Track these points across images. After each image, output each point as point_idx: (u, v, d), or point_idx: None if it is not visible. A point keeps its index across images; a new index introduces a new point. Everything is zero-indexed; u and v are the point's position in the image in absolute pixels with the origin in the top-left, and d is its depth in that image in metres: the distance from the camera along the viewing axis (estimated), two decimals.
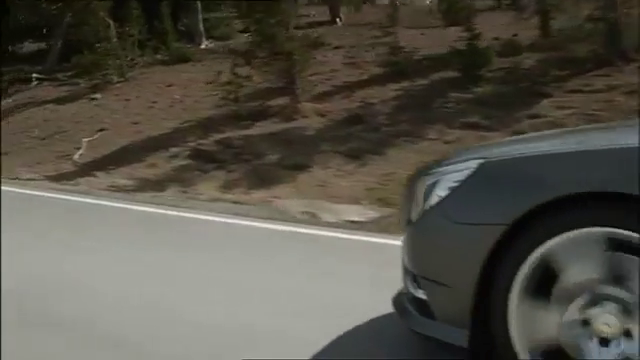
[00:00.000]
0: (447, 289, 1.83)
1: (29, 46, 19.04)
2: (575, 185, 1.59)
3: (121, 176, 7.48)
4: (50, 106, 12.29)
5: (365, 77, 10.06)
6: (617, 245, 1.55)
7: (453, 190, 1.85)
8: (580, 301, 1.63)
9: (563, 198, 1.58)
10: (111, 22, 12.78)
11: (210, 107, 9.91)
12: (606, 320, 1.59)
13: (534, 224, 1.64)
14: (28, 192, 6.99)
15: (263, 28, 9.06)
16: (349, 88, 9.68)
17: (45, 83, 14.48)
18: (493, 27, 10.65)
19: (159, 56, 14.38)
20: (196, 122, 9.19)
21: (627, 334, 1.58)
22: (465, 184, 1.82)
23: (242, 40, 14.90)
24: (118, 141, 9.05)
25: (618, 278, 1.58)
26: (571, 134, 2.24)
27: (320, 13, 16.97)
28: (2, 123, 12.10)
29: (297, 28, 15.26)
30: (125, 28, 13.41)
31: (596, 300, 1.61)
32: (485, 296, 1.71)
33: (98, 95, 12.02)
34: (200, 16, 15.51)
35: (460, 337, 1.77)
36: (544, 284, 1.66)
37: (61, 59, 15.71)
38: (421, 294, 1.93)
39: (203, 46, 14.96)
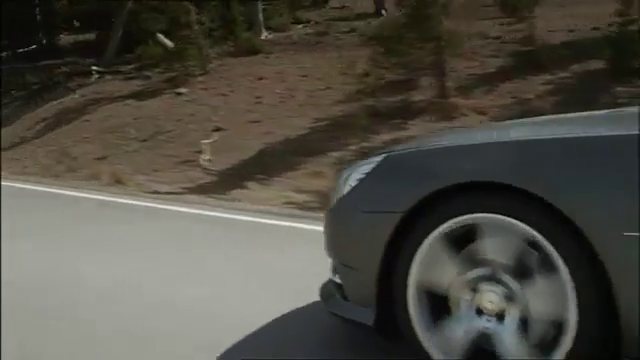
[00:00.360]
0: (356, 272, 2.04)
1: (64, 38, 17.81)
2: (460, 175, 1.80)
3: (285, 188, 6.42)
4: (131, 102, 11.15)
5: (492, 69, 9.08)
6: (508, 231, 1.72)
7: (360, 181, 2.06)
8: (477, 272, 1.81)
9: (450, 187, 1.78)
10: (192, 7, 11.58)
11: (332, 102, 8.87)
12: (490, 298, 1.79)
13: (427, 211, 1.84)
14: (188, 210, 5.86)
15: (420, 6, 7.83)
16: (485, 81, 8.70)
17: (108, 77, 13.32)
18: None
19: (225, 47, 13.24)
20: (332, 120, 8.16)
21: (500, 316, 1.78)
22: (369, 175, 2.05)
23: (301, 32, 13.95)
24: (246, 143, 7.96)
25: (512, 265, 1.75)
26: (476, 129, 2.85)
27: (354, 5, 15.95)
28: (76, 121, 11.03)
29: (340, 20, 14.27)
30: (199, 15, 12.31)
31: (490, 278, 1.80)
32: (388, 278, 1.91)
33: (183, 89, 10.90)
34: (260, 5, 14.34)
35: (368, 316, 1.98)
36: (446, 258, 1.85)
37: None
38: (337, 278, 2.15)
39: (262, 37, 13.80)
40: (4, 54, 16.08)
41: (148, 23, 13.13)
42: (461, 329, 1.82)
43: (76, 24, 16.98)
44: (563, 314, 1.62)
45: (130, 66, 13.50)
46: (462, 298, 1.84)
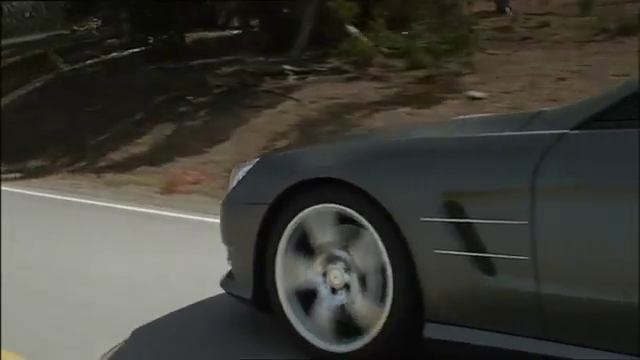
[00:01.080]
0: (238, 255, 2.52)
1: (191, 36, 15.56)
2: (311, 172, 2.23)
3: None
4: (406, 109, 9.78)
5: None
6: (343, 218, 2.15)
7: (243, 177, 2.55)
8: (322, 258, 2.25)
9: (305, 182, 2.20)
10: None
11: None
12: (335, 275, 2.22)
13: (287, 203, 2.25)
14: None
15: None
16: None
17: (311, 77, 11.70)
18: None
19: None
20: None
21: (347, 287, 2.18)
22: (249, 173, 2.54)
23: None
24: None
25: (344, 244, 2.20)
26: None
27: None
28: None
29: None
30: None
31: (331, 259, 2.23)
32: (262, 259, 2.33)
33: (476, 93, 9.65)
34: None
35: (247, 292, 2.43)
36: (301, 247, 2.27)
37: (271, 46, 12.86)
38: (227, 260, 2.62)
39: None
40: (128, 52, 13.98)
41: (339, 13, 11.73)
42: (324, 309, 2.22)
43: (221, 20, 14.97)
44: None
45: (328, 64, 12.00)
46: (317, 282, 2.24)
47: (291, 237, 2.29)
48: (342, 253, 2.25)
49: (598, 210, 1.72)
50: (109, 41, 17.20)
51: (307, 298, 2.29)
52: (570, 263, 1.77)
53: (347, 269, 2.22)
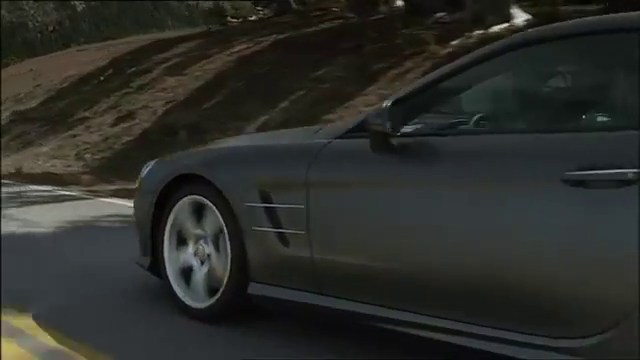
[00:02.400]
0: (140, 233, 3.13)
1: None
2: (182, 169, 2.92)
3: None
4: None
5: None
6: (202, 204, 2.80)
7: (146, 172, 3.23)
8: (192, 239, 2.90)
9: (178, 177, 2.87)
10: None
11: None
12: (198, 249, 2.89)
13: (168, 193, 2.90)
14: None
15: None
16: None
17: None
18: None
19: None
20: None
21: (209, 257, 2.84)
22: (150, 169, 3.23)
23: None
24: None
25: (202, 225, 2.85)
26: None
27: None
28: None
29: None
30: None
31: (197, 237, 2.89)
32: (154, 238, 2.98)
33: None
34: None
35: (146, 262, 3.08)
36: (179, 231, 2.93)
37: None
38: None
39: None
40: None
41: None
42: (198, 278, 2.86)
43: None
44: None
45: None
46: (191, 259, 2.89)
47: (173, 222, 2.96)
48: (203, 232, 2.91)
49: (349, 197, 2.36)
50: None
51: (187, 271, 2.95)
52: (332, 236, 2.40)
53: (207, 244, 2.88)
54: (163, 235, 2.95)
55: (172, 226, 2.95)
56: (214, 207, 2.73)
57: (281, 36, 13.72)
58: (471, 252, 2.00)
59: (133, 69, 14.82)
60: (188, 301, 2.89)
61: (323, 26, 14.45)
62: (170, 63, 14.25)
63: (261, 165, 2.71)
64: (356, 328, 2.49)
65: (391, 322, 2.21)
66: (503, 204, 1.94)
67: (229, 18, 19.59)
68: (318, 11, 16.60)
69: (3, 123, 14.60)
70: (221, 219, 2.71)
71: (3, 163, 10.44)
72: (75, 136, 11.80)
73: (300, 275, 2.47)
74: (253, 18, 19.13)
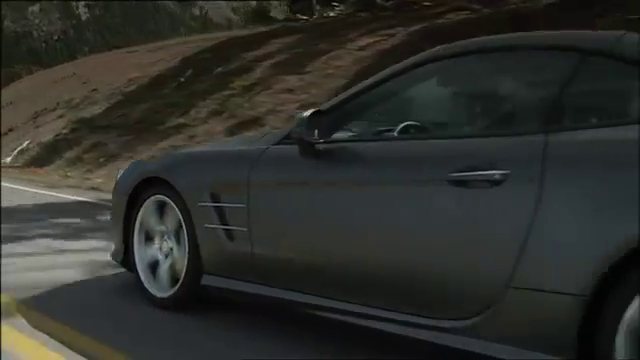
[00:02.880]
0: (114, 230, 3.41)
1: None
2: (149, 173, 3.25)
3: None
4: None
5: None
6: (165, 203, 3.12)
7: (121, 176, 3.54)
8: (157, 235, 3.19)
9: (145, 179, 3.19)
10: None
11: None
12: (162, 244, 3.18)
13: (137, 194, 3.23)
14: None
15: None
16: None
17: None
18: None
19: None
20: None
21: (171, 251, 3.13)
22: (123, 173, 3.55)
23: None
24: None
25: (164, 222, 3.14)
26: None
27: None
28: None
29: None
30: None
31: (161, 234, 3.18)
32: (126, 235, 3.26)
33: None
34: None
35: (119, 257, 3.38)
36: (146, 229, 3.23)
37: None
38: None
39: None
40: None
41: None
42: (163, 271, 3.15)
43: None
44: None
45: None
46: (157, 254, 3.18)
47: (141, 220, 3.23)
48: (165, 228, 3.17)
49: (281, 197, 2.64)
50: None
51: (153, 264, 3.21)
52: (267, 232, 2.67)
53: (169, 239, 3.13)
54: (133, 232, 3.24)
55: (141, 224, 3.23)
56: (175, 206, 3.03)
57: (416, 27, 12.19)
58: (376, 244, 2.28)
59: (219, 69, 13.23)
60: (154, 291, 3.16)
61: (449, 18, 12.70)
62: (273, 61, 12.67)
63: (212, 169, 2.99)
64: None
65: (319, 309, 2.45)
66: (402, 202, 2.22)
67: (298, 15, 18.50)
68: (413, 5, 14.77)
69: (62, 132, 13.45)
70: (180, 217, 2.99)
71: (85, 178, 9.81)
72: (176, 146, 9.83)
73: (244, 267, 2.74)
74: (332, 14, 17.82)
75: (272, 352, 2.55)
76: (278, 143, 2.71)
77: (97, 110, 14.13)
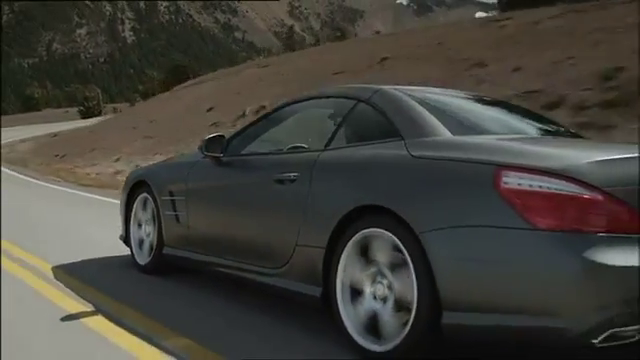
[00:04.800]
0: (122, 218, 4.43)
1: None
2: (138, 177, 4.36)
3: None
4: None
5: None
6: (148, 198, 4.20)
7: (127, 176, 4.72)
8: (145, 220, 4.26)
9: (138, 182, 4.26)
10: None
11: None
12: (146, 228, 4.26)
13: (133, 191, 4.32)
14: None
15: None
16: None
17: None
18: None
19: None
20: None
21: (150, 232, 4.20)
22: (128, 175, 4.71)
23: None
24: None
25: (146, 212, 4.25)
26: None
27: None
28: None
29: None
30: None
31: (146, 220, 4.24)
32: (127, 220, 4.34)
33: None
34: None
35: (123, 237, 4.40)
36: (139, 214, 4.29)
37: None
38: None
39: None
40: None
41: None
42: (146, 245, 4.24)
43: None
44: None
45: None
46: (143, 232, 4.26)
47: (135, 211, 4.32)
48: (147, 217, 4.20)
49: (202, 192, 3.68)
50: None
51: (141, 241, 4.27)
52: (195, 216, 3.68)
53: (149, 224, 4.16)
54: (130, 220, 4.33)
55: (134, 214, 4.31)
56: (152, 201, 4.09)
57: None
58: (240, 221, 3.33)
59: None
60: (139, 260, 4.21)
61: None
62: None
63: (170, 174, 4.05)
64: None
65: (220, 266, 3.42)
66: (254, 193, 3.24)
67: None
68: None
69: None
70: (153, 206, 4.06)
71: None
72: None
73: (184, 240, 3.76)
74: None
75: (225, 308, 3.37)
76: (205, 157, 3.69)
77: None
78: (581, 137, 3.34)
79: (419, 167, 2.41)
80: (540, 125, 3.15)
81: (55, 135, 30.61)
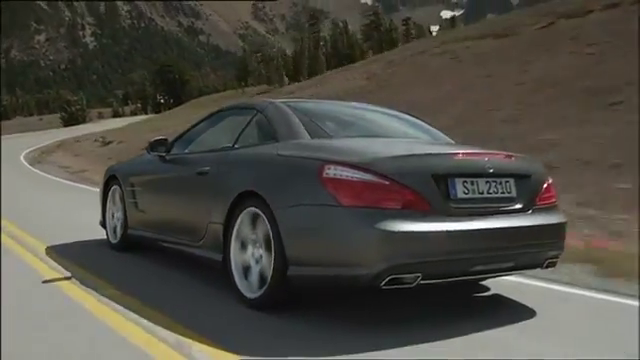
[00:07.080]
0: (101, 205, 5.00)
1: None
2: (111, 172, 5.01)
3: None
4: None
5: None
6: (116, 190, 4.92)
7: (105, 171, 5.28)
8: (116, 208, 4.86)
9: (111, 176, 4.94)
10: None
11: None
12: (117, 215, 4.82)
13: (108, 184, 4.93)
14: None
15: None
16: None
17: None
18: None
19: None
20: None
21: (120, 218, 4.77)
22: (106, 169, 5.24)
23: None
24: None
25: (115, 202, 4.88)
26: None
27: None
28: None
29: None
30: None
31: (117, 209, 4.83)
32: (104, 208, 4.98)
33: None
34: None
35: (101, 223, 5.02)
36: (111, 202, 4.92)
37: None
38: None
39: None
40: None
41: None
42: (118, 228, 4.77)
43: None
44: None
45: None
46: (116, 218, 4.82)
47: (110, 197, 4.97)
48: (118, 204, 4.82)
49: (152, 183, 4.36)
50: None
51: (114, 226, 4.89)
52: (147, 202, 4.38)
53: (118, 211, 4.78)
54: (106, 206, 5.02)
55: (110, 201, 4.96)
56: (120, 191, 4.78)
57: None
58: (174, 206, 4.06)
59: None
60: (111, 240, 4.88)
61: None
62: None
63: (132, 169, 4.78)
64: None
65: (166, 242, 4.06)
66: (182, 185, 3.96)
67: None
68: None
69: None
70: (121, 197, 4.76)
71: None
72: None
73: (140, 222, 4.45)
74: None
75: (162, 271, 4.04)
76: (155, 155, 4.42)
77: None
78: (452, 142, 3.79)
79: (280, 163, 3.17)
80: (408, 130, 3.88)
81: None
